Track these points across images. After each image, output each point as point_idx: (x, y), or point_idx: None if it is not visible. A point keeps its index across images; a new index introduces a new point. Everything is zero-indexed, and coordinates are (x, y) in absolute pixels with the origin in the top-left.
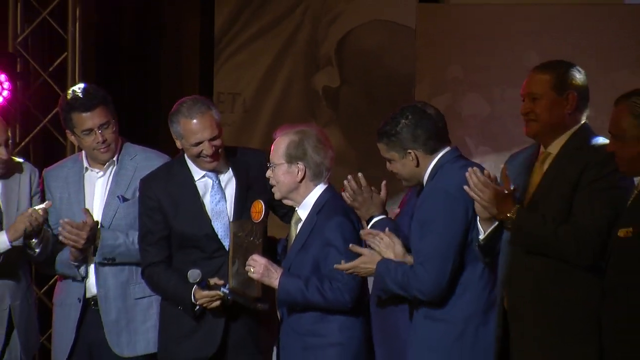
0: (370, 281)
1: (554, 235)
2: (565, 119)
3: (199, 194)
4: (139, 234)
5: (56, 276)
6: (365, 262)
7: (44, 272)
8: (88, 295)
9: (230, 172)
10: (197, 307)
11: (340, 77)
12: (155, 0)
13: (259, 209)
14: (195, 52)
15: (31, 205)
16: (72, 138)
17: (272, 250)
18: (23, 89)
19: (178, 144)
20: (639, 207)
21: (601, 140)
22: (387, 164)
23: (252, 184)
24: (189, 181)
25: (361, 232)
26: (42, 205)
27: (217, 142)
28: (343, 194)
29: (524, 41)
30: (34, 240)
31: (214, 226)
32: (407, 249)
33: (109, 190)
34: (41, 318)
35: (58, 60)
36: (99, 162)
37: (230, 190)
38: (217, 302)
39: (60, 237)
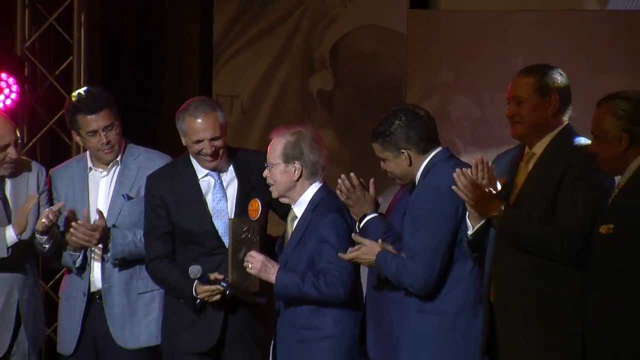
0: (364, 278)
1: (539, 233)
2: (548, 121)
3: (201, 192)
4: (145, 229)
5: (62, 271)
6: (366, 252)
7: (51, 266)
8: (93, 289)
9: (232, 173)
10: (198, 301)
11: (334, 80)
12: (157, 6)
13: (255, 207)
14: (195, 55)
15: (38, 203)
16: (77, 139)
17: (270, 246)
18: (30, 92)
19: (183, 140)
20: (620, 205)
21: (583, 140)
22: (381, 163)
23: (255, 185)
24: (192, 180)
25: (356, 236)
26: (55, 207)
27: (217, 143)
28: (337, 192)
29: (512, 46)
30: (45, 237)
31: (214, 223)
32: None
33: (113, 190)
34: (48, 311)
35: (64, 64)
36: (103, 163)
37: (232, 190)
38: (218, 296)
39: (73, 238)
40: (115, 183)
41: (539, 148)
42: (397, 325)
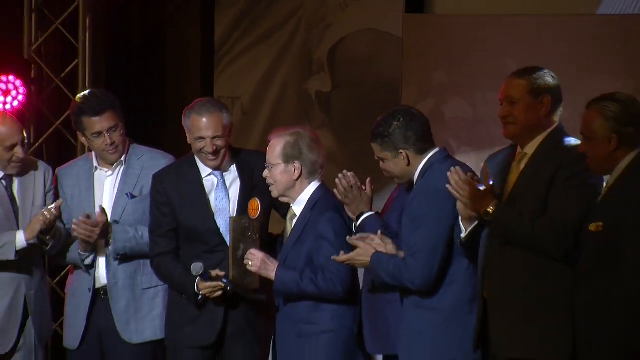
0: (361, 276)
1: (531, 230)
2: (540, 121)
3: (205, 191)
4: (150, 226)
5: (68, 267)
6: (361, 254)
7: (56, 264)
8: (98, 285)
9: (235, 173)
10: (200, 297)
11: (332, 82)
12: (160, 11)
13: (255, 206)
14: (197, 59)
15: (45, 201)
16: (82, 139)
17: (270, 244)
18: (37, 94)
19: (188, 138)
20: (608, 204)
21: (574, 141)
22: (380, 163)
23: (257, 185)
24: (197, 179)
25: (351, 239)
26: (54, 205)
27: (219, 142)
28: (335, 191)
29: (506, 50)
30: (46, 236)
31: (216, 221)
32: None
33: (117, 189)
34: (54, 306)
35: (70, 67)
36: (108, 162)
37: (235, 189)
38: (219, 292)
39: (75, 233)
40: (120, 182)
41: (531, 148)
42: (395, 327)
